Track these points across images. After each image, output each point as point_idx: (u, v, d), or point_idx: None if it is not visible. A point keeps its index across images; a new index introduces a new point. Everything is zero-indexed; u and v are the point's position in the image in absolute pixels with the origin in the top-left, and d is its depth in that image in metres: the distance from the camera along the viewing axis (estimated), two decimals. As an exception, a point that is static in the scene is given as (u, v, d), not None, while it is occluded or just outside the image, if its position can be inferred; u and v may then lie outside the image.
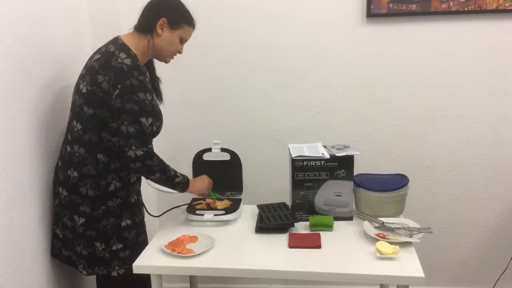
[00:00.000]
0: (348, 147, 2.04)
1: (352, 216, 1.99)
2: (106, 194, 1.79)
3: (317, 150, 2.02)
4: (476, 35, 2.35)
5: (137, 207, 1.91)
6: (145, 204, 2.00)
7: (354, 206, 2.02)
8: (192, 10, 1.84)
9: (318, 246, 1.74)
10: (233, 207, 2.05)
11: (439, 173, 2.54)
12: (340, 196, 1.97)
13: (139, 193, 1.95)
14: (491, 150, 2.47)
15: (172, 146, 2.61)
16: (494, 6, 2.28)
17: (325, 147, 2.07)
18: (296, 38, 2.46)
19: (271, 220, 1.90)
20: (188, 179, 1.89)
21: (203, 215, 1.99)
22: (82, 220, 1.78)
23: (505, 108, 2.42)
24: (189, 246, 1.76)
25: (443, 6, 2.32)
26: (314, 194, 1.97)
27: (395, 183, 1.99)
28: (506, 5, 2.27)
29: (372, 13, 2.36)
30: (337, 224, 1.92)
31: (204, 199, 2.10)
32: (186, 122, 2.62)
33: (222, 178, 2.13)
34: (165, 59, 1.87)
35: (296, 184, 1.96)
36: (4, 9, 1.60)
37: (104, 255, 1.81)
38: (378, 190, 1.95)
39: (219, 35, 2.49)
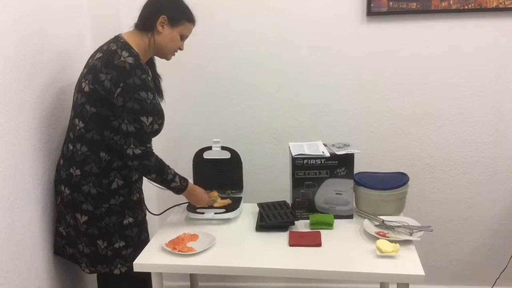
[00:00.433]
0: (349, 145, 2.04)
1: (352, 214, 2.00)
2: (109, 192, 1.79)
3: (318, 148, 2.02)
4: (477, 33, 2.35)
5: (139, 205, 1.91)
6: (145, 202, 2.01)
7: (354, 205, 2.02)
8: (191, 6, 1.84)
9: (319, 244, 1.75)
10: (233, 206, 2.05)
11: (439, 172, 2.54)
12: (341, 194, 1.97)
13: (141, 191, 1.95)
14: (491, 148, 2.47)
15: (173, 144, 2.62)
16: (494, 5, 2.28)
17: (325, 145, 2.07)
18: (296, 37, 2.46)
19: (272, 219, 1.90)
20: (185, 186, 1.87)
21: (203, 213, 1.99)
22: (84, 218, 1.78)
23: (505, 106, 2.42)
24: (190, 244, 1.77)
25: (443, 4, 2.31)
26: (314, 193, 1.97)
27: (396, 181, 2.00)
28: (506, 3, 2.27)
29: (373, 12, 2.36)
30: (337, 222, 1.93)
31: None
32: (187, 120, 2.62)
33: (223, 177, 2.13)
34: (166, 56, 1.87)
35: (297, 183, 1.97)
36: (5, 8, 1.60)
37: (106, 253, 1.82)
38: (379, 189, 1.96)
39: (219, 33, 2.50)
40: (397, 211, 1.99)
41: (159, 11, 1.77)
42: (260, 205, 2.05)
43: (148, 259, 1.70)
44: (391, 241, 1.68)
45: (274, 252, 1.73)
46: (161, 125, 1.82)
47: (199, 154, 2.19)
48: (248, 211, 2.09)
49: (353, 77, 2.48)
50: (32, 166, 1.75)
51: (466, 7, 2.30)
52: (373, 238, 1.76)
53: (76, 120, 1.77)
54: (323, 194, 1.97)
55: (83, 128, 1.75)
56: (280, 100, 2.54)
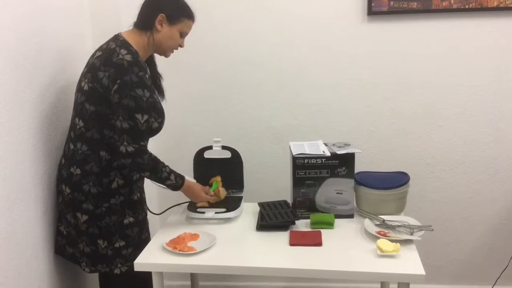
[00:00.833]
0: (349, 145, 2.04)
1: (353, 214, 2.00)
2: (109, 192, 1.79)
3: (318, 148, 2.02)
4: (477, 32, 2.35)
5: (140, 205, 1.91)
6: (146, 202, 2.00)
7: (355, 204, 2.02)
8: (190, 3, 1.84)
9: (319, 243, 1.75)
10: (234, 205, 2.05)
11: (440, 171, 2.54)
12: (341, 194, 1.97)
13: (141, 191, 1.95)
14: (492, 147, 2.47)
15: (173, 144, 2.61)
16: (495, 4, 2.28)
17: (326, 145, 2.07)
18: (297, 36, 2.46)
19: (272, 218, 1.90)
20: (181, 184, 1.85)
21: (204, 212, 1.99)
22: (85, 218, 1.78)
23: (506, 105, 2.42)
24: (190, 243, 1.77)
25: (444, 3, 2.31)
26: (315, 192, 1.97)
27: (396, 181, 1.99)
28: (507, 2, 2.27)
29: (373, 11, 2.36)
30: (338, 222, 1.92)
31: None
32: (187, 120, 2.62)
33: (223, 176, 2.13)
34: (165, 53, 1.87)
35: (297, 182, 1.97)
36: (5, 7, 1.60)
37: (107, 253, 1.82)
38: (379, 188, 1.95)
39: (219, 33, 2.49)
40: (398, 210, 1.99)
41: (157, 10, 1.77)
42: (261, 205, 2.05)
43: (149, 258, 1.70)
44: (392, 241, 1.68)
45: (274, 251, 1.73)
46: (161, 124, 1.82)
47: (199, 154, 2.19)
48: (248, 211, 2.09)
49: (353, 77, 2.47)
50: (32, 166, 1.75)
51: (466, 6, 2.30)
52: (374, 238, 1.75)
53: (76, 120, 1.77)
54: (324, 193, 1.97)
55: (83, 127, 1.75)
56: (281, 100, 2.54)
